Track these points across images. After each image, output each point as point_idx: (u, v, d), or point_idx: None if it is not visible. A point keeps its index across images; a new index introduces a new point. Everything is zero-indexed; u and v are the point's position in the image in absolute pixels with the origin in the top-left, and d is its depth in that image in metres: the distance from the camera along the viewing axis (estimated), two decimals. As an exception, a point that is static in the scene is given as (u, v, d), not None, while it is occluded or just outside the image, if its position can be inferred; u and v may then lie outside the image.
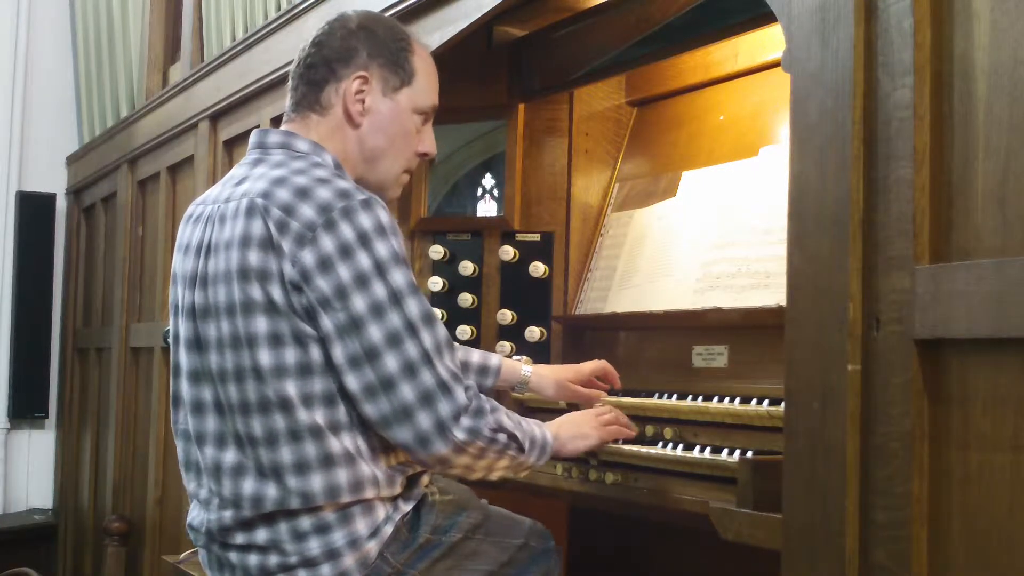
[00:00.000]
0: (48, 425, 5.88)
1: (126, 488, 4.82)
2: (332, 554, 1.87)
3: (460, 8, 2.63)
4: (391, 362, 1.82)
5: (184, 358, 1.98)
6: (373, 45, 2.01)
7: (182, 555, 3.11)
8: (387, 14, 2.83)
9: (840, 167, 1.60)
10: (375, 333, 1.82)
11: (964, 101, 1.48)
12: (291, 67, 2.07)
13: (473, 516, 2.04)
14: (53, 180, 5.92)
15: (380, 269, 1.83)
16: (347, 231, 1.82)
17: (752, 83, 2.58)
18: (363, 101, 2.00)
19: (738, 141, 2.56)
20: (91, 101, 5.71)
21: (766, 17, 2.03)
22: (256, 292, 1.84)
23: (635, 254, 2.71)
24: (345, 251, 1.82)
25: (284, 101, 3.44)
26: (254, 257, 1.84)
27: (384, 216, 1.86)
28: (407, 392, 1.82)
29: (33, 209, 5.76)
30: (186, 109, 4.34)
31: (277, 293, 1.83)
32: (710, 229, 2.50)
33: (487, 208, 2.91)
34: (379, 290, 1.82)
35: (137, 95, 5.13)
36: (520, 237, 2.89)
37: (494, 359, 2.41)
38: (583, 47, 2.77)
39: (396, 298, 1.83)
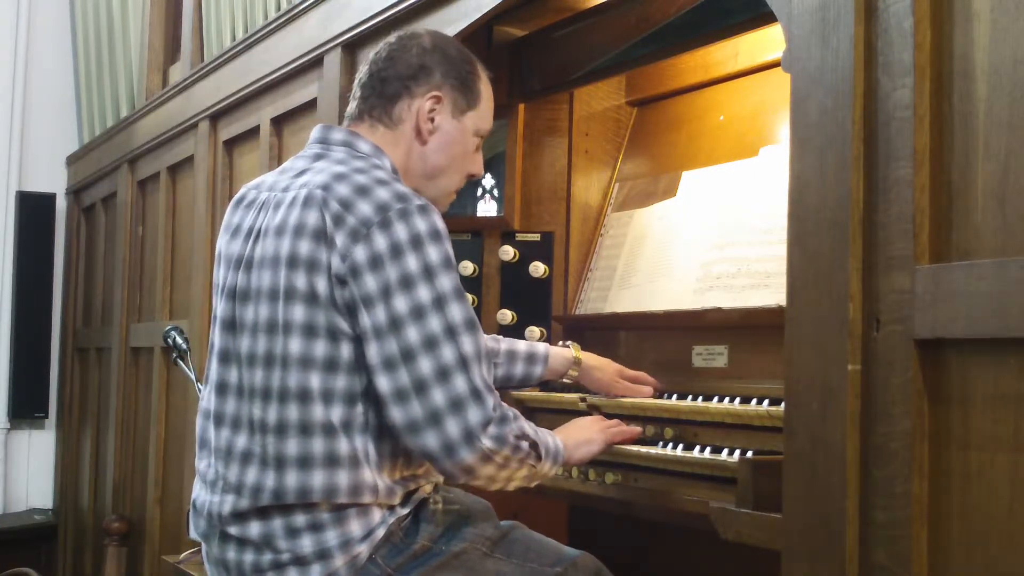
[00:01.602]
0: (48, 425, 5.88)
1: (126, 488, 4.82)
2: (323, 554, 1.86)
3: (460, 8, 2.63)
4: (426, 364, 1.82)
5: (217, 338, 2.00)
6: (447, 66, 2.06)
7: (182, 555, 3.12)
8: (388, 14, 2.85)
9: (840, 167, 1.60)
10: (413, 335, 1.82)
11: (964, 101, 1.48)
12: (359, 75, 2.10)
13: (487, 530, 2.00)
14: (53, 180, 5.92)
15: (428, 273, 1.84)
16: (401, 232, 1.84)
17: (752, 83, 2.57)
18: (433, 119, 2.05)
19: (738, 141, 2.56)
20: (91, 101, 5.71)
21: (766, 17, 2.03)
22: (300, 281, 1.86)
23: (635, 254, 2.70)
24: (396, 251, 1.84)
25: (284, 101, 3.50)
26: (305, 246, 1.86)
27: (439, 223, 1.89)
28: (438, 396, 1.82)
29: (33, 209, 5.76)
30: (186, 109, 4.34)
31: (322, 285, 1.85)
32: (710, 229, 2.49)
33: (487, 208, 2.91)
34: (423, 293, 1.83)
35: (137, 95, 5.13)
36: (520, 237, 2.88)
37: (540, 347, 2.42)
38: (583, 47, 2.77)
39: (440, 302, 1.84)
